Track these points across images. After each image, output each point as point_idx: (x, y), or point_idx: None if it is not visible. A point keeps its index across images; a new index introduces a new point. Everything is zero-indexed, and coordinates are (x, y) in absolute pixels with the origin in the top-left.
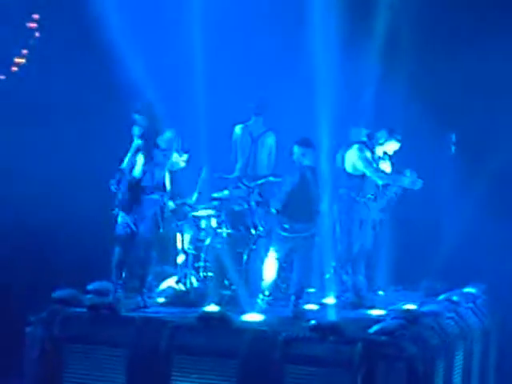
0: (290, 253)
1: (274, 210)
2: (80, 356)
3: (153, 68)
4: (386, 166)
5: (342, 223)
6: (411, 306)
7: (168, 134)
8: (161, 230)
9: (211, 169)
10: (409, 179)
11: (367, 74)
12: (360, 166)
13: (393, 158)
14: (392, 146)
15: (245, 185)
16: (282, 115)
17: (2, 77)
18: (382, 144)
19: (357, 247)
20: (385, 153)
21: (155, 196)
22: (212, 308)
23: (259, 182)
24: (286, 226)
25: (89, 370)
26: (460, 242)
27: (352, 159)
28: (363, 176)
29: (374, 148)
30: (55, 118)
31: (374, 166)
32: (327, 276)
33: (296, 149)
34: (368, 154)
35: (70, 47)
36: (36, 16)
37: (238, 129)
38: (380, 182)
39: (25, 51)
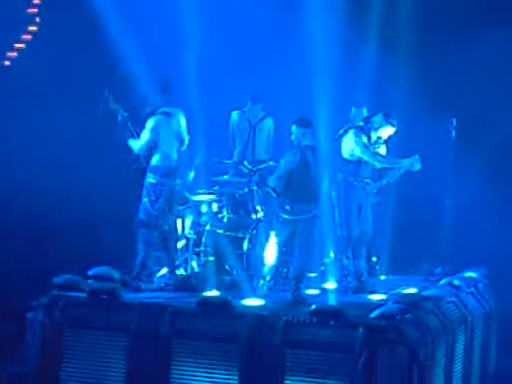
0: (290, 237)
1: (273, 193)
2: (81, 341)
3: (150, 53)
4: (381, 151)
5: (341, 208)
6: (412, 291)
7: None
8: (153, 213)
9: (209, 154)
10: (407, 161)
11: (366, 57)
12: (357, 151)
13: (391, 142)
14: (387, 131)
15: (247, 168)
16: (280, 100)
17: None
18: (377, 129)
19: (356, 232)
20: (379, 137)
21: (150, 179)
22: (212, 293)
23: (260, 166)
24: (288, 208)
25: (90, 355)
26: (461, 226)
27: (348, 145)
28: (359, 161)
29: (370, 132)
30: (53, 104)
31: (371, 150)
32: (327, 261)
33: (294, 129)
34: (364, 139)
35: (70, 34)
36: (36, 1)
37: (235, 115)
38: (378, 166)
39: (25, 36)
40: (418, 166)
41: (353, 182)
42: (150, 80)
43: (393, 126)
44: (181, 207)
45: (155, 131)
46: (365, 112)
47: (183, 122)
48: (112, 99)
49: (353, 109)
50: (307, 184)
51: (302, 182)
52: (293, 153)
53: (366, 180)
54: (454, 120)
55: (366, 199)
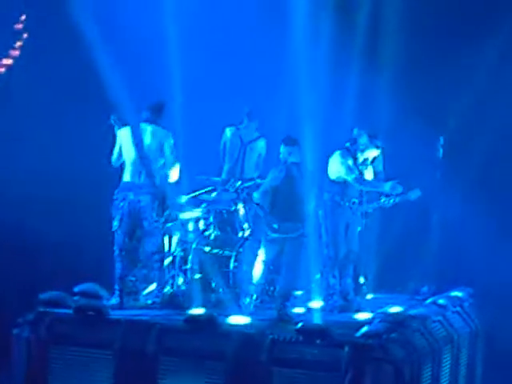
0: (278, 255)
1: (260, 210)
2: (67, 358)
3: (141, 69)
4: (367, 172)
5: (327, 228)
6: (398, 309)
7: None
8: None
9: (197, 170)
10: (388, 185)
11: (353, 75)
12: (342, 172)
13: (383, 162)
14: (372, 153)
15: (232, 187)
16: (273, 121)
17: None
18: (363, 150)
19: (343, 251)
20: (365, 159)
21: (121, 194)
22: (199, 311)
23: (246, 184)
24: (275, 226)
25: (75, 372)
26: (447, 245)
27: (334, 166)
28: (345, 182)
29: (356, 154)
30: (41, 118)
31: (356, 172)
32: (314, 279)
33: (282, 148)
34: (350, 161)
35: (56, 48)
36: (23, 17)
37: (228, 131)
38: (361, 189)
39: (13, 52)
40: (399, 190)
41: (339, 202)
42: (132, 95)
43: (377, 148)
44: (168, 224)
45: (119, 145)
46: (355, 132)
47: (163, 140)
48: (118, 124)
49: (355, 130)
50: (293, 202)
51: (287, 199)
52: (278, 169)
53: (353, 200)
54: (442, 138)
55: (352, 218)
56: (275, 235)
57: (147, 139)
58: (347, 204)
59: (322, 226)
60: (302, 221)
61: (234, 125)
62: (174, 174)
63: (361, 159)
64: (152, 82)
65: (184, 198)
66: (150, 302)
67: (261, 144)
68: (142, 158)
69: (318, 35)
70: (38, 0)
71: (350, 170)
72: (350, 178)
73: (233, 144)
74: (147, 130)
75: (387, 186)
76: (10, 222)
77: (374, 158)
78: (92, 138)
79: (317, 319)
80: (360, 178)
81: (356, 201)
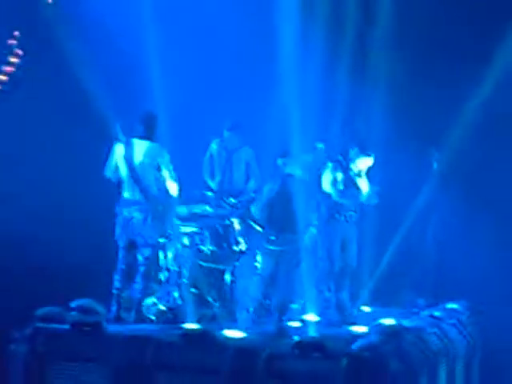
0: (274, 268)
1: (259, 227)
2: (64, 373)
3: (130, 83)
4: (362, 183)
5: (324, 241)
6: (394, 322)
7: None
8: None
9: (190, 185)
10: (365, 196)
11: (345, 89)
12: (327, 185)
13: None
14: (365, 162)
15: (227, 203)
16: (258, 130)
17: None
18: (354, 161)
19: (339, 265)
20: (360, 170)
21: (118, 209)
22: (195, 325)
23: (242, 198)
24: (273, 238)
25: None
26: (443, 258)
27: (326, 178)
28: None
29: (349, 166)
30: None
31: (340, 187)
32: (309, 292)
33: (279, 161)
34: (338, 175)
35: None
36: (16, 33)
37: (214, 144)
38: (342, 202)
39: (7, 68)
40: (374, 200)
41: (335, 215)
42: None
43: (368, 155)
44: (163, 239)
45: (115, 159)
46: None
47: (158, 156)
48: (118, 135)
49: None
50: (289, 213)
51: (283, 210)
52: (272, 181)
53: (349, 212)
54: (436, 152)
55: (349, 231)
56: (272, 247)
57: (140, 155)
58: (343, 218)
59: (318, 239)
60: (299, 233)
61: (219, 137)
62: (173, 189)
63: (355, 170)
64: (136, 94)
65: (180, 212)
66: (146, 316)
67: (247, 152)
68: (135, 174)
69: (309, 49)
70: (30, 16)
71: (333, 183)
72: (332, 192)
73: (219, 156)
74: (140, 146)
75: (363, 198)
76: (9, 238)
77: (369, 168)
78: (93, 152)
79: (313, 332)
80: (340, 192)
81: (353, 214)
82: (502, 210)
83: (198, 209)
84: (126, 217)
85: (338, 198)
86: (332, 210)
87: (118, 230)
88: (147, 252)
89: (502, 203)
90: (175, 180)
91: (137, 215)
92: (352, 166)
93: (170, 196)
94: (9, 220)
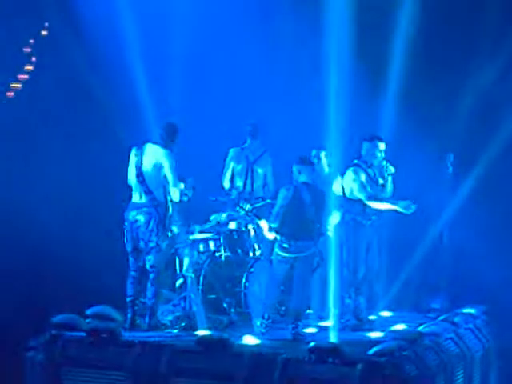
0: (289, 275)
1: (273, 232)
2: (80, 380)
3: (144, 89)
4: (388, 185)
5: (349, 248)
6: (411, 327)
7: None
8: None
9: (205, 192)
10: (403, 204)
11: (363, 91)
12: (355, 190)
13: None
14: (380, 148)
15: (242, 208)
16: (278, 136)
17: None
18: (372, 155)
19: (362, 271)
20: (384, 159)
21: (125, 214)
22: (211, 331)
23: (257, 204)
24: (286, 246)
25: None
26: (459, 262)
27: (348, 184)
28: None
29: (369, 164)
30: (46, 142)
31: (369, 190)
32: (326, 298)
33: (294, 168)
34: (363, 177)
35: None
36: (32, 41)
37: (232, 151)
38: (375, 208)
39: (22, 76)
40: (412, 209)
41: (361, 221)
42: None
43: (380, 140)
44: (178, 246)
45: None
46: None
47: (163, 161)
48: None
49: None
50: (303, 221)
51: (297, 218)
52: (286, 188)
53: (373, 217)
54: (452, 156)
55: (373, 236)
56: (286, 254)
57: (148, 160)
58: (369, 222)
59: (344, 246)
60: (314, 240)
61: (238, 145)
62: (175, 195)
63: (376, 162)
64: (153, 101)
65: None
66: (162, 323)
67: (267, 160)
68: (141, 178)
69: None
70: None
71: (362, 187)
72: (362, 196)
73: (240, 164)
74: (150, 151)
75: (401, 205)
76: (25, 245)
77: (385, 151)
78: (102, 161)
79: (329, 338)
80: (372, 195)
81: (375, 218)
82: None
83: (216, 219)
84: (131, 221)
85: (367, 202)
86: (358, 217)
87: (125, 236)
88: (152, 260)
89: None
90: (178, 185)
91: (140, 218)
92: (374, 161)
93: (172, 201)
94: (26, 229)
